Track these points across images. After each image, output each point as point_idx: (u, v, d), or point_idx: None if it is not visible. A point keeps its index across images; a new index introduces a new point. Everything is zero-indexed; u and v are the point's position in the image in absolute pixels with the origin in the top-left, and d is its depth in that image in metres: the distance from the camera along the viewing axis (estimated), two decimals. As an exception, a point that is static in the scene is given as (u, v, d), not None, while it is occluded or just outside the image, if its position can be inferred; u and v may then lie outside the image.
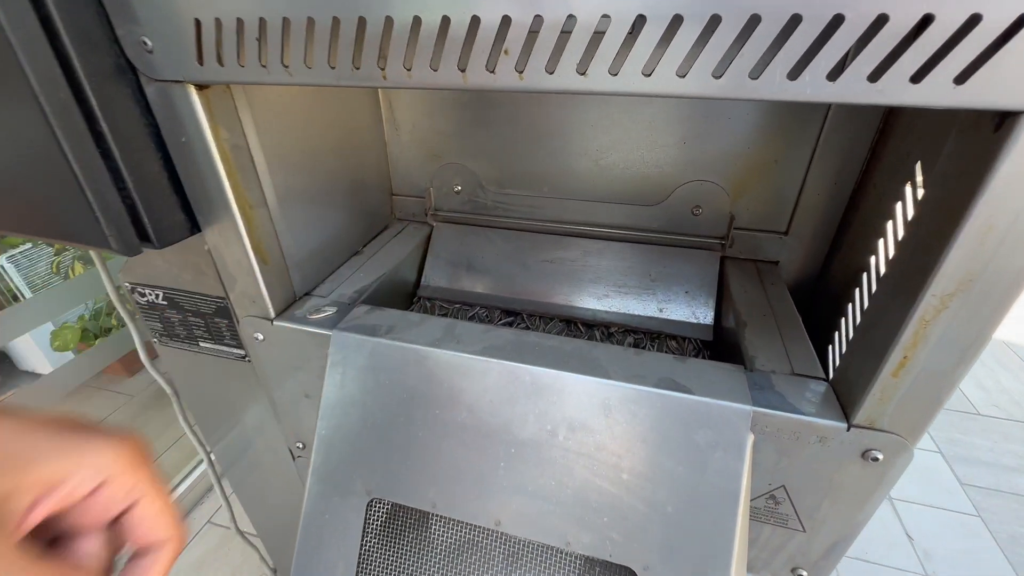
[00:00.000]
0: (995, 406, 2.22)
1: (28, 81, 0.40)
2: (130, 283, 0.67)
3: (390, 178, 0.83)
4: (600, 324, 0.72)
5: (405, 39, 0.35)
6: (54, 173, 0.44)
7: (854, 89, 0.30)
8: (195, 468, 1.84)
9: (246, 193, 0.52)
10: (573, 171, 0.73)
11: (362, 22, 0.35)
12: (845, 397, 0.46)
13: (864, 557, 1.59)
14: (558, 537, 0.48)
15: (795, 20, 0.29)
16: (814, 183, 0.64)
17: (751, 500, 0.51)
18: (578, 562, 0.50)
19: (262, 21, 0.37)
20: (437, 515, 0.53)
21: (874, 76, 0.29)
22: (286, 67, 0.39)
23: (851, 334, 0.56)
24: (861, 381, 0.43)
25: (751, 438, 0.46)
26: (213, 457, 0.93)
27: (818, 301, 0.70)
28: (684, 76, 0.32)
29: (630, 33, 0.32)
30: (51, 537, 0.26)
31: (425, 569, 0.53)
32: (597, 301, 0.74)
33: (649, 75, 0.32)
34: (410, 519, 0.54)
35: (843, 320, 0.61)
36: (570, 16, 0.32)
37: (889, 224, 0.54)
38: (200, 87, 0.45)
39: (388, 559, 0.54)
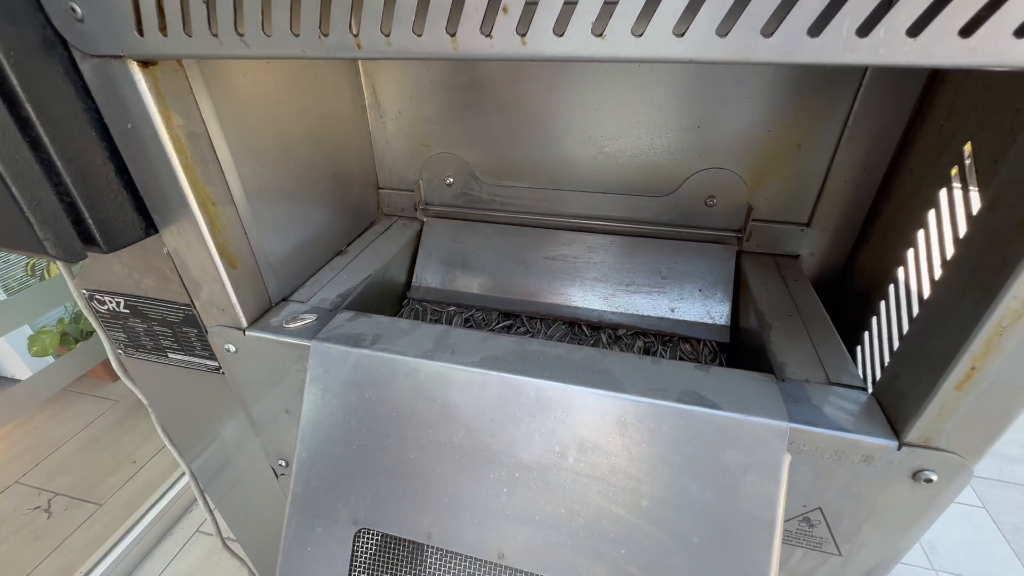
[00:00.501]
0: (997, 395, 2.20)
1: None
2: (87, 290, 0.60)
3: (375, 170, 0.76)
4: (607, 326, 0.67)
5: (381, -4, 0.29)
6: (-29, 167, 0.37)
7: (890, 46, 0.24)
8: (183, 475, 1.78)
9: (207, 189, 0.46)
10: (576, 160, 0.67)
11: (328, -24, 0.29)
12: (893, 411, 0.40)
13: (871, 552, 1.56)
14: (570, 571, 0.43)
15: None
16: (840, 169, 0.59)
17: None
18: (592, 600, 0.44)
19: (208, -22, 0.31)
20: (433, 547, 0.47)
21: (915, 30, 0.23)
22: (240, 36, 0.33)
23: (891, 337, 0.51)
24: (915, 394, 0.38)
25: (788, 459, 0.40)
26: (194, 471, 0.87)
27: (842, 298, 0.65)
28: (725, 35, 0.26)
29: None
30: None
31: (420, 607, 0.48)
32: (603, 301, 0.68)
33: (682, 35, 0.26)
34: (403, 552, 0.48)
35: (875, 319, 0.56)
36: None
37: (931, 214, 0.49)
38: (144, 63, 0.38)
39: (379, 595, 0.48)
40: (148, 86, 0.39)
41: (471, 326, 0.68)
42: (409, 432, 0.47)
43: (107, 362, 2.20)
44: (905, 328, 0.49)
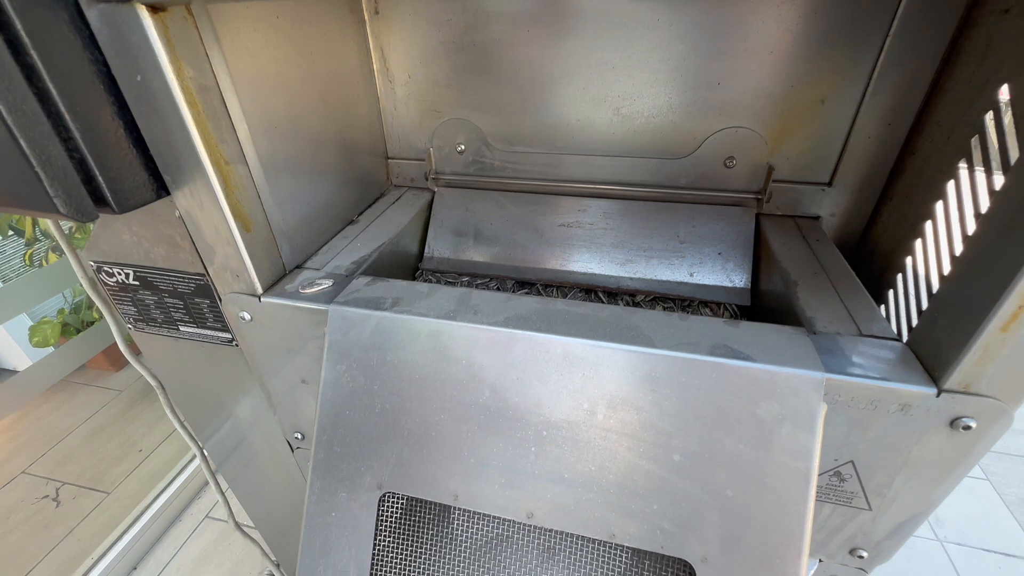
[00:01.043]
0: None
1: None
2: (95, 262, 0.59)
3: (384, 140, 0.75)
4: (624, 292, 0.66)
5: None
6: (-23, 118, 0.36)
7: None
8: (191, 461, 1.78)
9: (220, 146, 0.44)
10: (591, 123, 0.65)
11: None
12: (930, 359, 0.40)
13: (877, 525, 1.58)
14: (601, 529, 0.43)
15: None
16: (864, 125, 0.58)
17: (813, 478, 0.45)
18: (625, 556, 0.44)
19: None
20: (460, 508, 0.47)
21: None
22: (258, -31, 0.31)
23: (919, 293, 0.50)
24: (954, 339, 0.37)
25: (823, 408, 0.39)
26: (206, 452, 0.86)
27: (863, 258, 0.64)
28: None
29: None
30: None
31: (448, 569, 0.47)
32: (620, 267, 0.67)
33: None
34: (429, 514, 0.48)
35: (900, 276, 0.55)
36: None
37: (963, 163, 0.48)
38: (153, 8, 0.37)
39: (405, 559, 0.48)
40: (158, 33, 0.37)
41: (487, 294, 0.67)
42: (433, 394, 0.46)
43: (109, 352, 2.18)
44: (935, 283, 0.48)
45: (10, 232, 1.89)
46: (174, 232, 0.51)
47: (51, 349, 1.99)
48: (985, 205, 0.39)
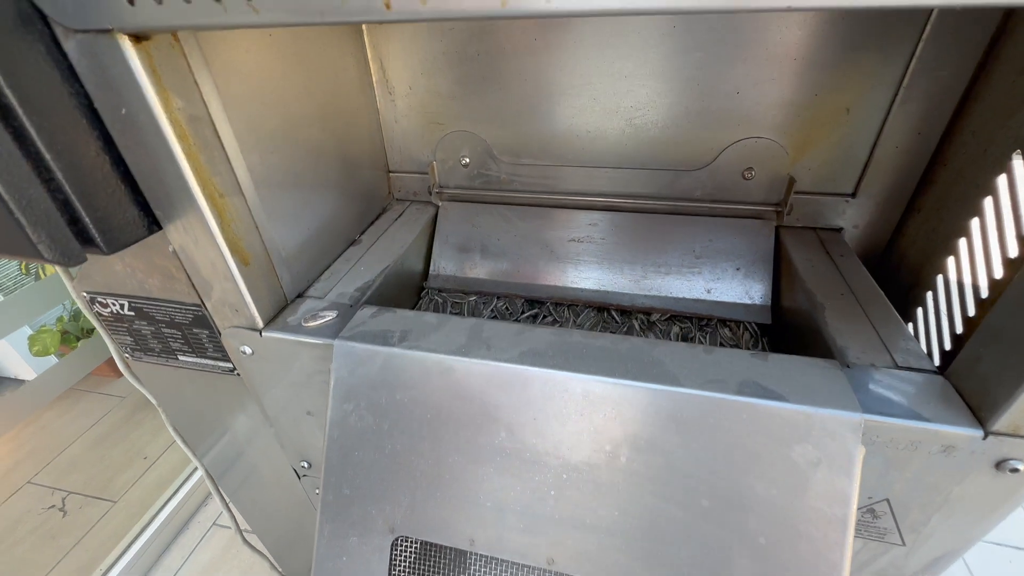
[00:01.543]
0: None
1: None
2: (88, 292, 0.57)
3: (385, 152, 0.72)
4: (638, 311, 0.63)
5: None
6: (-51, 164, 0.33)
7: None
8: (197, 469, 1.77)
9: (214, 179, 0.42)
10: (602, 133, 0.62)
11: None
12: (976, 397, 0.37)
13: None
14: (625, 576, 0.41)
15: None
16: (892, 134, 0.55)
17: (845, 515, 0.43)
18: (650, 604, 0.42)
19: (207, -70, 0.26)
20: (476, 554, 0.45)
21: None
22: (248, 0, 0.28)
23: (952, 314, 0.48)
24: (1004, 379, 0.35)
25: (862, 452, 0.37)
26: (210, 469, 0.84)
27: (888, 272, 0.62)
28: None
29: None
30: None
31: (465, 614, 0.46)
32: (634, 284, 0.65)
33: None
34: (444, 559, 0.46)
35: (930, 295, 0.53)
36: None
37: (1002, 179, 0.45)
38: (136, 38, 0.34)
39: (420, 603, 0.46)
40: (142, 64, 0.34)
41: (495, 316, 0.65)
42: (446, 434, 0.44)
43: (112, 359, 2.18)
44: (971, 306, 0.46)
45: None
46: (169, 264, 0.49)
47: (52, 358, 1.97)
48: (1035, 233, 0.36)
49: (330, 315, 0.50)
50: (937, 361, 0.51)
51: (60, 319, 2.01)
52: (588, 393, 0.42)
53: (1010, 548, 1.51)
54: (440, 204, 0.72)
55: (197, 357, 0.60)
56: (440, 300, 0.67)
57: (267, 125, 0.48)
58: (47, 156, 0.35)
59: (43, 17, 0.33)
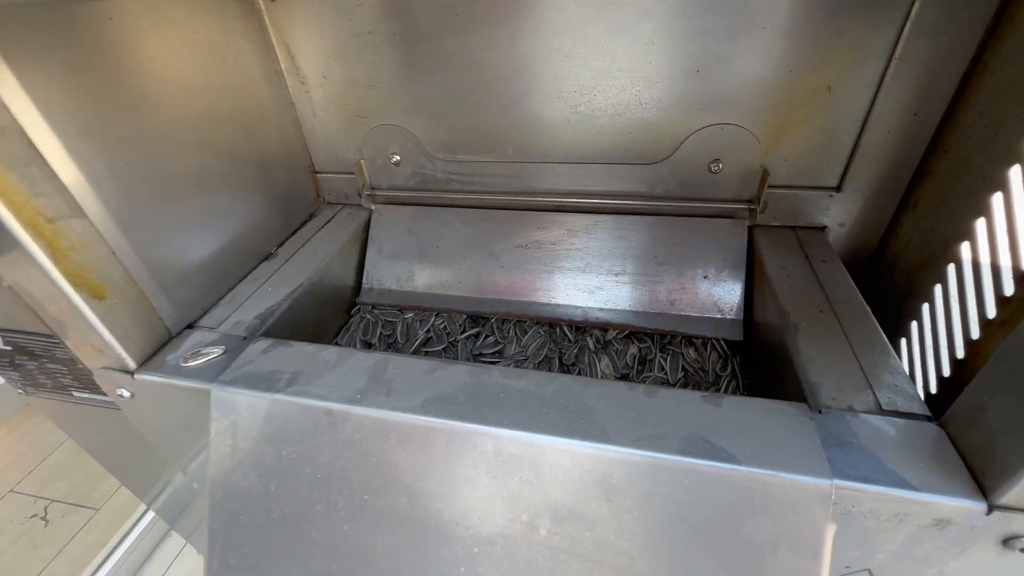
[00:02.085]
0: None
1: None
2: (-47, 327, 0.49)
3: (308, 151, 0.63)
4: (593, 326, 0.56)
5: None
6: None
7: None
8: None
9: (33, 201, 0.34)
10: (545, 123, 0.54)
11: None
12: (978, 457, 0.29)
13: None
14: (549, 670, 0.34)
15: None
16: (882, 116, 0.46)
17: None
18: None
19: None
20: (380, 636, 0.38)
21: None
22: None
23: (952, 334, 0.39)
24: (1016, 439, 0.27)
25: (832, 529, 0.30)
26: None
27: (879, 277, 0.53)
28: None
29: None
30: None
31: None
32: (588, 296, 0.57)
33: None
34: (345, 641, 0.39)
35: (927, 308, 0.45)
36: None
37: (1015, 171, 0.36)
38: None
39: None
40: None
41: (431, 337, 0.57)
42: (340, 498, 0.37)
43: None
44: (975, 327, 0.38)
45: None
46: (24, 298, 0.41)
47: None
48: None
49: (215, 352, 0.43)
50: (933, 387, 0.43)
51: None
52: (500, 452, 0.34)
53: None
54: (373, 207, 0.64)
55: (92, 393, 0.53)
56: (372, 319, 0.59)
57: (126, 128, 0.40)
58: None
59: None
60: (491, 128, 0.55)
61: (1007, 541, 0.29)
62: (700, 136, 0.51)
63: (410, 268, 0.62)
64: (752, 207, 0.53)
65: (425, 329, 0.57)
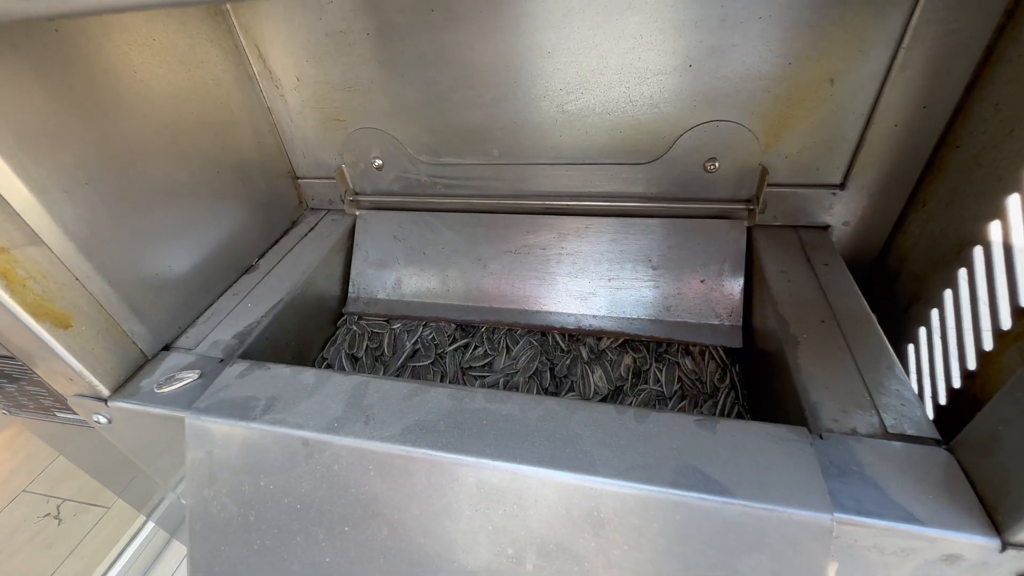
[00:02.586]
0: None
1: None
2: (-73, 352, 0.48)
3: (287, 156, 0.61)
4: (586, 334, 0.54)
5: None
6: None
7: None
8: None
9: (-19, 231, 0.32)
10: (531, 123, 0.51)
11: None
12: (991, 489, 0.27)
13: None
14: None
15: None
16: (889, 109, 0.43)
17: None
18: None
19: None
20: (367, 668, 0.37)
21: None
22: None
23: (963, 345, 0.37)
24: (1032, 476, 0.25)
25: (833, 567, 0.28)
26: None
27: (883, 280, 0.51)
28: None
29: None
30: None
31: None
32: (581, 302, 0.55)
33: None
34: (331, 673, 0.38)
35: (936, 313, 0.42)
36: None
37: (1034, 172, 0.33)
38: None
39: None
40: None
41: (419, 349, 0.55)
42: (320, 530, 0.36)
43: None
44: (988, 338, 0.35)
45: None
46: (-10, 325, 0.40)
47: None
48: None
49: (190, 377, 0.41)
50: (943, 399, 0.41)
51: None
52: (483, 483, 0.32)
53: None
54: (358, 213, 0.62)
55: (74, 415, 0.52)
56: (358, 331, 0.57)
57: (79, 144, 0.38)
58: None
59: None
60: (474, 129, 0.52)
61: (1022, 577, 0.27)
62: (694, 134, 0.48)
63: (397, 276, 0.60)
64: (751, 207, 0.50)
65: (413, 341, 0.55)
